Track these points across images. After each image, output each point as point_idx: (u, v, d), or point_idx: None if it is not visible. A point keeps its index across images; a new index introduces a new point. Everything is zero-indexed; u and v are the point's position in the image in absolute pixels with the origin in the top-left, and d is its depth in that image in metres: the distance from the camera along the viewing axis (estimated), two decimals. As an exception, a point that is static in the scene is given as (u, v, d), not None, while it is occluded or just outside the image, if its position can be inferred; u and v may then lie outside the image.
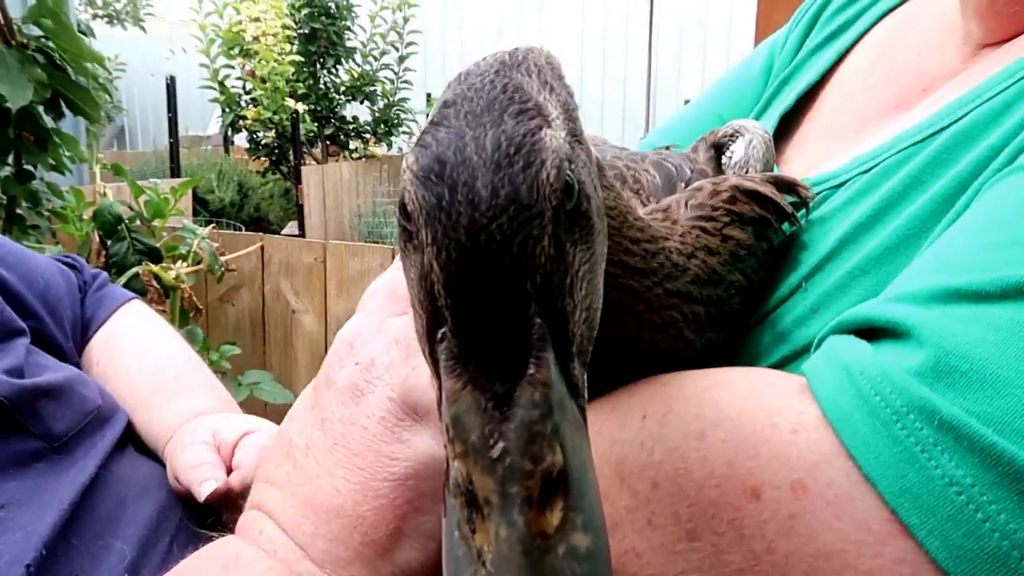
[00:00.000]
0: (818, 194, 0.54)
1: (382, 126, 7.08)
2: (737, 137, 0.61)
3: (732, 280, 0.48)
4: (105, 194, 2.46)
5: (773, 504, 0.33)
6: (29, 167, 2.23)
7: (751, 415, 0.36)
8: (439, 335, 0.23)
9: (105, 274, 1.16)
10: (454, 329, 0.23)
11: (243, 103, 6.43)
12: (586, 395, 0.25)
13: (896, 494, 0.31)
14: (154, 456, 0.95)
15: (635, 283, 0.41)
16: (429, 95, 7.87)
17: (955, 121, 0.48)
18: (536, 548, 0.20)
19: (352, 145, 7.10)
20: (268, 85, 6.04)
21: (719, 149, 0.62)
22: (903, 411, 0.32)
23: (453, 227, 0.22)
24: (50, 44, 2.04)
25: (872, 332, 0.37)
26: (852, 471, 0.32)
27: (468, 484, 0.21)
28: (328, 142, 6.97)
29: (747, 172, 0.59)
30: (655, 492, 0.37)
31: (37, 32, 2.02)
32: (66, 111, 2.16)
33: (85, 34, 3.49)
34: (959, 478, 0.30)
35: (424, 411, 0.43)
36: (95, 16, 8.42)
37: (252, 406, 2.46)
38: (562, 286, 0.24)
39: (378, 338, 0.47)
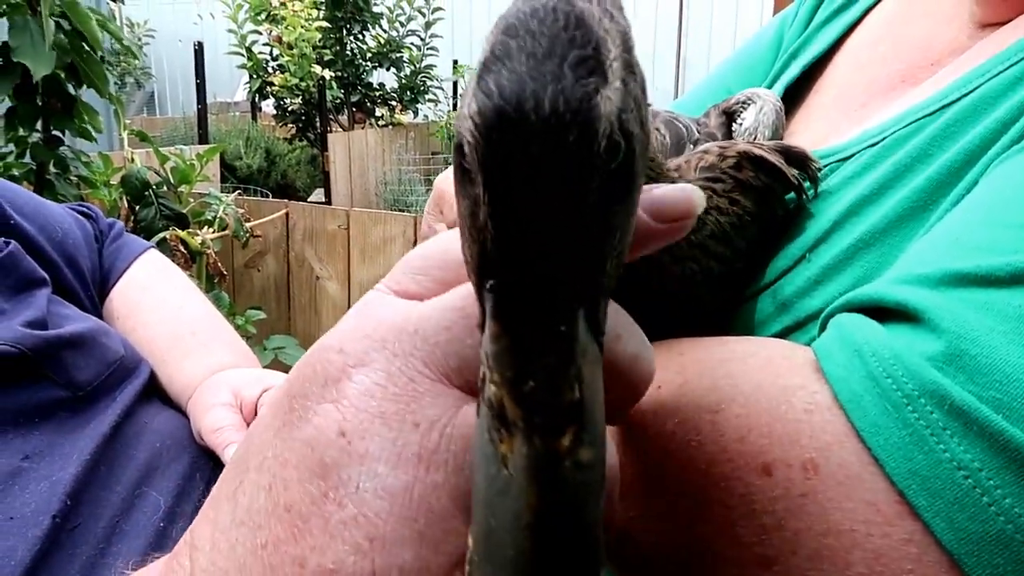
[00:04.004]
0: (825, 167, 0.53)
1: (408, 93, 7.06)
2: (749, 104, 0.61)
3: (737, 244, 0.48)
4: (133, 160, 2.49)
5: (785, 482, 0.34)
6: (57, 133, 2.26)
7: (766, 391, 0.36)
8: (488, 284, 0.26)
9: (120, 223, 1.16)
10: (501, 282, 0.25)
11: (270, 69, 6.45)
12: (605, 328, 0.28)
13: (904, 476, 0.31)
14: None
15: None
16: (456, 62, 7.81)
17: (965, 95, 0.47)
18: (549, 463, 0.24)
19: (378, 112, 7.10)
20: (295, 51, 6.04)
21: (731, 116, 0.62)
22: (914, 394, 0.32)
23: (507, 190, 0.24)
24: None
25: (882, 311, 0.37)
26: (862, 452, 0.32)
27: (500, 407, 0.25)
28: (354, 109, 6.97)
29: (756, 139, 0.58)
30: (666, 462, 0.37)
31: (61, -4, 2.04)
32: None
33: (115, -1, 3.52)
34: (967, 462, 0.30)
35: None
36: (124, -19, 8.45)
37: (277, 369, 2.50)
38: (600, 243, 0.26)
39: (396, 429, 0.29)
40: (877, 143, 0.50)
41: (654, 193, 0.31)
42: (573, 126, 0.23)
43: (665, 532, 0.37)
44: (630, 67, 0.28)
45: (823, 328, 0.40)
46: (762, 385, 0.37)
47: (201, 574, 0.32)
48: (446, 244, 0.35)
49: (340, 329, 0.33)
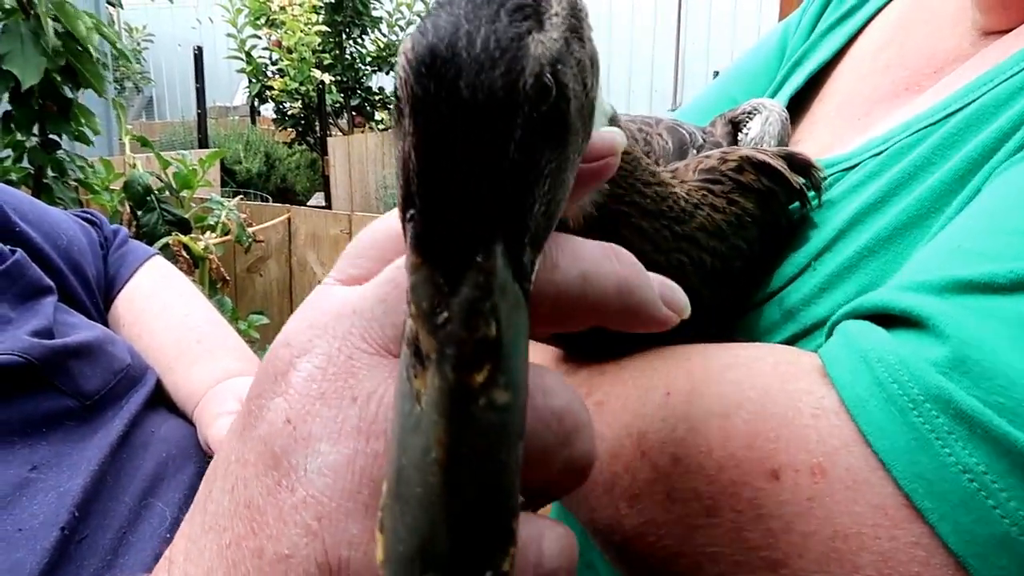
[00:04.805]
0: (830, 176, 0.53)
1: (408, 97, 7.06)
2: (755, 114, 0.61)
3: (735, 242, 0.48)
4: (135, 165, 2.49)
5: (792, 486, 0.34)
6: (54, 136, 2.25)
7: (773, 397, 0.36)
8: (408, 215, 0.26)
9: (125, 230, 1.15)
10: (420, 212, 0.25)
11: (269, 73, 6.46)
12: (533, 277, 0.28)
13: (910, 479, 0.32)
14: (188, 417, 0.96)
15: (645, 223, 0.42)
16: (455, 65, 7.81)
17: (967, 104, 0.47)
18: (461, 397, 0.24)
19: (378, 116, 7.11)
20: (294, 55, 6.06)
21: (736, 126, 0.62)
22: (919, 399, 0.33)
23: (431, 121, 0.24)
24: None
25: (887, 318, 0.37)
26: (869, 456, 0.33)
27: (416, 341, 0.25)
28: (354, 113, 6.98)
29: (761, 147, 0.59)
30: (676, 467, 0.38)
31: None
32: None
33: (113, 4, 3.52)
34: (971, 465, 0.31)
35: None
36: (123, -14, 8.46)
37: (279, 375, 2.50)
38: (524, 182, 0.26)
39: (335, 406, 0.30)
40: (881, 152, 0.51)
41: None
42: (500, 62, 0.24)
43: (674, 537, 0.37)
44: (578, 33, 0.29)
45: (829, 335, 0.40)
46: (769, 391, 0.37)
47: None
48: (377, 225, 0.35)
49: (288, 325, 0.34)
